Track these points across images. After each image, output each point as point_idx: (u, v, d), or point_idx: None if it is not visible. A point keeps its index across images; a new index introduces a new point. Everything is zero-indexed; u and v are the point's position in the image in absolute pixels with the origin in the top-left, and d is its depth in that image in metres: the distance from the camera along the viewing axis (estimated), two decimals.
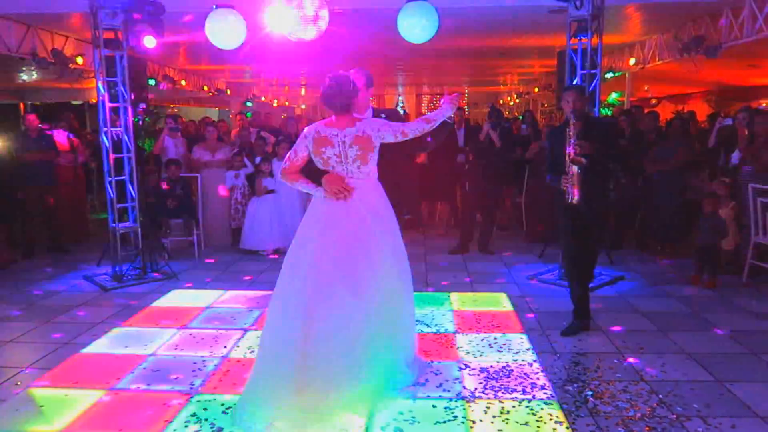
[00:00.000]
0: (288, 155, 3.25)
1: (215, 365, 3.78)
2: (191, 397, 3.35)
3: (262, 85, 20.80)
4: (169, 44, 9.46)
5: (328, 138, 3.14)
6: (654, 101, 14.03)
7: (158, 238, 6.84)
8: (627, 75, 10.56)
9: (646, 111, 8.11)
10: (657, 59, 9.27)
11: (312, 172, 3.27)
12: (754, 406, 3.24)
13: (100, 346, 4.17)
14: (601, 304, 5.04)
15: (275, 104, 24.27)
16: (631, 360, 3.87)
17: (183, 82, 13.50)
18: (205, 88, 15.59)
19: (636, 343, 4.17)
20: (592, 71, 5.58)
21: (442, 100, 3.41)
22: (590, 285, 5.44)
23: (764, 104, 10.97)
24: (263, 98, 21.97)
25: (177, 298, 5.34)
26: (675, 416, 3.15)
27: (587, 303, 4.42)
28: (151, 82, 11.41)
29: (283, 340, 2.98)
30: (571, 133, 4.05)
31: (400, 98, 25.20)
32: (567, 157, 4.07)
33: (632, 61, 9.95)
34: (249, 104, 20.81)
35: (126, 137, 5.99)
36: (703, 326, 4.51)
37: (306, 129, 3.24)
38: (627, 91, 10.81)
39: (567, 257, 4.49)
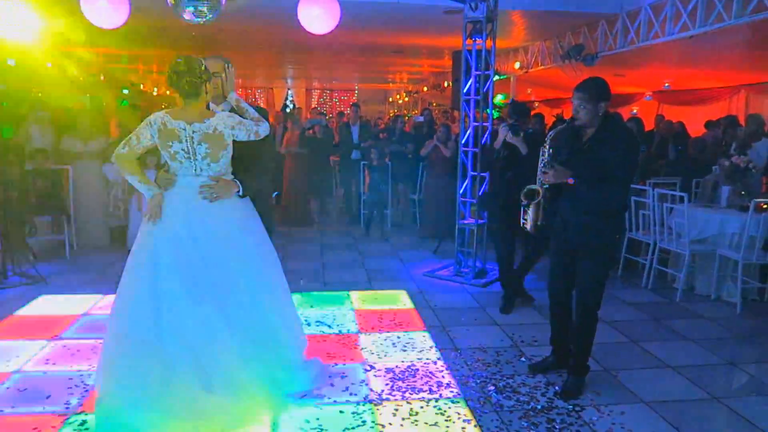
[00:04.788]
0: (128, 139, 2.89)
1: (95, 380, 3.38)
2: (67, 419, 2.97)
3: (140, 72, 19.46)
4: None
5: (175, 131, 2.86)
6: (536, 104, 14.87)
7: (22, 237, 6.10)
8: (512, 78, 11.08)
9: (531, 113, 8.52)
10: (539, 64, 9.80)
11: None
12: (639, 392, 3.46)
13: None
14: (495, 298, 5.18)
15: (155, 92, 22.82)
16: (527, 353, 4.00)
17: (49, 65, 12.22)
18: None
19: (530, 335, 4.32)
20: (486, 72, 5.73)
21: None
22: (483, 281, 5.67)
23: (634, 110, 12.01)
24: (141, 86, 20.56)
25: (46, 304, 4.77)
26: (571, 407, 3.28)
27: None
28: (11, 62, 10.21)
29: (137, 343, 2.78)
30: (546, 152, 3.29)
31: (290, 92, 24.73)
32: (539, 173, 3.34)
33: (517, 65, 10.44)
34: (126, 92, 19.39)
35: None
36: None
37: (152, 115, 2.92)
38: (511, 94, 11.36)
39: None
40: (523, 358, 3.92)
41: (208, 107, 3.07)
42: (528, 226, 3.51)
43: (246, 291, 2.94)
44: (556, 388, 3.49)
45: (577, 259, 3.38)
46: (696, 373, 3.74)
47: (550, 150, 3.31)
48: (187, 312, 2.79)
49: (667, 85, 11.15)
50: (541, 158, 3.34)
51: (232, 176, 3.04)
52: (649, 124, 9.50)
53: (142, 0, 4.59)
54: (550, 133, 3.39)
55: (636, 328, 4.54)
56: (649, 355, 4.03)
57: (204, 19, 3.67)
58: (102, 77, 16.39)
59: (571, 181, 3.24)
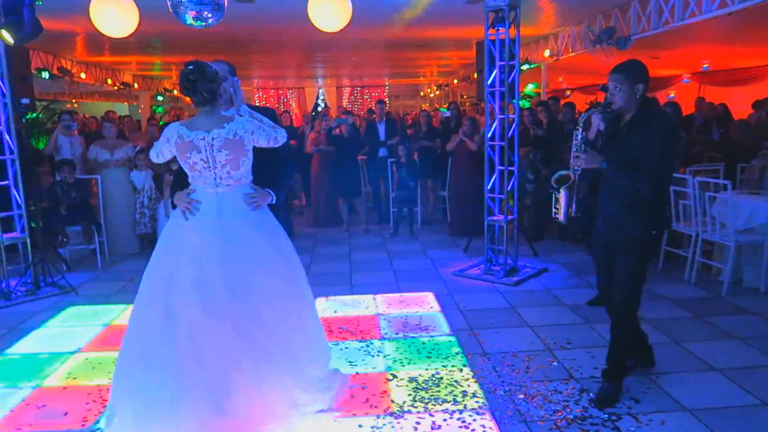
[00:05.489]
0: (159, 153, 2.93)
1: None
2: None
3: (174, 78, 19.75)
4: (60, 33, 8.66)
5: (193, 142, 2.77)
6: (568, 92, 14.41)
7: (53, 247, 6.19)
8: (542, 67, 10.73)
9: (562, 102, 8.22)
10: (570, 51, 9.44)
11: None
12: (682, 398, 3.22)
13: None
14: (527, 298, 4.99)
15: (188, 99, 23.13)
16: (559, 357, 3.79)
17: (82, 75, 12.47)
18: (109, 81, 14.53)
19: (564, 338, 4.11)
20: (511, 62, 5.50)
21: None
22: (515, 279, 5.44)
23: (671, 94, 11.50)
24: (175, 92, 20.87)
25: (73, 315, 4.80)
26: (606, 416, 3.07)
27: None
28: (44, 74, 10.46)
29: (149, 363, 2.71)
30: (579, 135, 3.10)
31: (320, 91, 24.74)
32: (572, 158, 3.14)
33: (547, 52, 10.10)
34: (160, 98, 19.72)
35: (8, 137, 5.32)
36: None
37: (167, 129, 2.86)
38: (543, 83, 11.01)
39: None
40: (555, 363, 3.71)
41: None
42: (560, 217, 3.29)
43: (268, 308, 2.81)
44: (591, 395, 3.28)
45: (614, 254, 3.17)
46: (745, 375, 3.46)
47: (583, 133, 3.12)
48: (202, 328, 2.69)
49: (706, 66, 10.60)
50: (573, 142, 3.15)
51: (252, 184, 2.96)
52: (687, 108, 9.08)
53: (150, 7, 4.53)
54: (583, 115, 3.19)
55: (677, 326, 4.27)
56: (693, 356, 3.77)
57: (206, 23, 3.58)
58: (136, 85, 16.69)
59: (603, 166, 3.03)
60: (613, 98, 3.04)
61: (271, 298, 2.83)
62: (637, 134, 3.02)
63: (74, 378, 3.59)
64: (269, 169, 3.06)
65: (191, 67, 2.75)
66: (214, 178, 2.81)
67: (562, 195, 3.25)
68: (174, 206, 2.96)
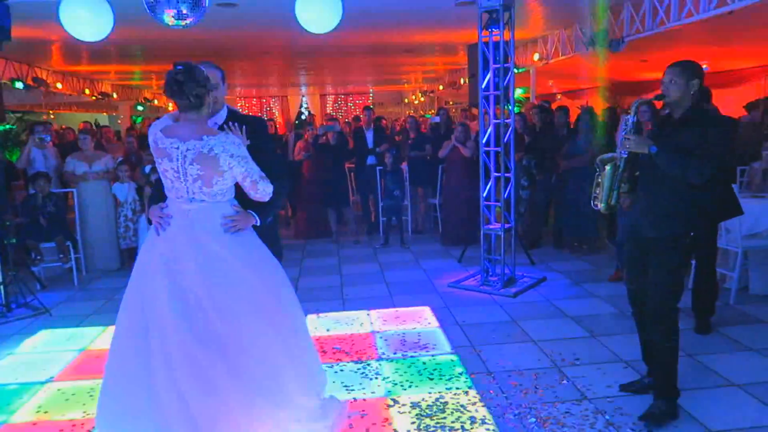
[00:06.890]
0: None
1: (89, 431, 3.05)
2: None
3: (154, 87, 19.37)
4: (34, 41, 8.33)
5: (166, 150, 2.52)
6: (558, 96, 14.31)
7: (26, 265, 5.86)
8: (531, 71, 10.58)
9: (554, 106, 8.06)
10: (560, 54, 9.30)
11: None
12: (705, 419, 3.00)
13: None
14: (528, 310, 4.77)
15: (170, 108, 22.79)
16: (569, 374, 3.56)
17: (59, 85, 12.09)
18: (87, 91, 14.14)
19: (571, 353, 3.89)
20: (506, 65, 5.30)
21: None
22: (514, 290, 5.21)
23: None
24: (156, 102, 20.48)
25: (46, 340, 4.46)
26: None
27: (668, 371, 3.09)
28: (18, 85, 10.09)
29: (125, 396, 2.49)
30: (630, 119, 3.06)
31: (304, 99, 24.47)
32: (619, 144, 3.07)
33: (536, 56, 9.95)
34: (140, 108, 19.32)
35: None
36: (631, 328, 4.31)
37: (150, 129, 2.63)
38: (532, 87, 10.86)
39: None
40: (565, 381, 3.48)
41: None
42: (599, 204, 3.16)
43: (248, 333, 2.53)
44: (607, 417, 3.06)
45: (648, 255, 3.05)
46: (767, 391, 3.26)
47: (635, 118, 3.05)
48: (178, 351, 2.43)
49: (705, 67, 10.51)
50: (622, 126, 3.12)
51: (236, 203, 2.68)
52: None
53: (128, 11, 4.26)
54: (635, 102, 3.12)
55: (688, 338, 4.05)
56: (710, 371, 3.57)
57: (186, 22, 3.32)
58: (115, 95, 16.31)
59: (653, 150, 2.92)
60: (667, 91, 3.00)
61: (249, 323, 2.56)
62: (689, 130, 2.94)
63: (45, 412, 3.27)
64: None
65: (180, 67, 2.49)
66: (187, 192, 2.55)
67: (604, 176, 3.11)
68: (150, 222, 2.71)
